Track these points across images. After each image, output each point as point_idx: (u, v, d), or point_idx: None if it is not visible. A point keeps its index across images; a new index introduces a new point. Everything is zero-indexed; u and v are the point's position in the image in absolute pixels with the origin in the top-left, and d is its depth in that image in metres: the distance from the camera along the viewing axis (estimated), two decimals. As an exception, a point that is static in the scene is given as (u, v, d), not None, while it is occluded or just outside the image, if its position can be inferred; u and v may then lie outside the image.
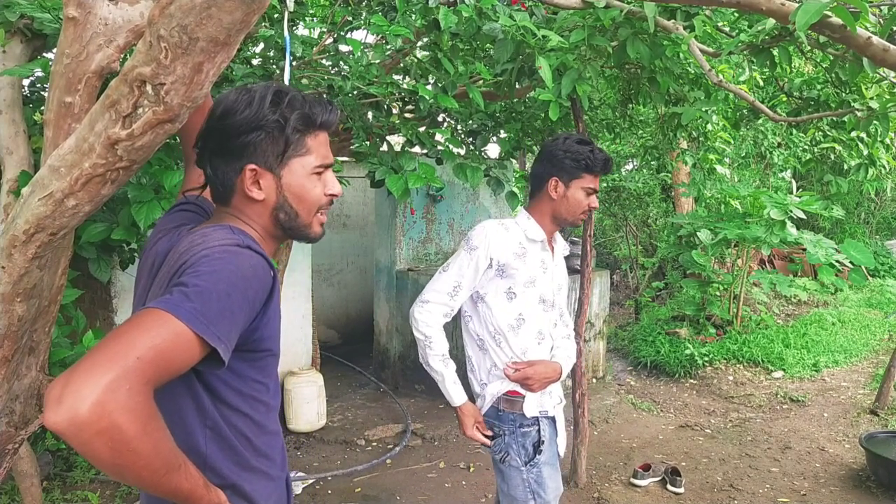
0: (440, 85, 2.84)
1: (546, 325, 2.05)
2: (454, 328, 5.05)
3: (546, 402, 2.05)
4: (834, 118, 3.56)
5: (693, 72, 3.20)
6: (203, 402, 1.09)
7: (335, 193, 1.22)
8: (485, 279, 1.99)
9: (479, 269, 1.96)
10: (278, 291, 1.12)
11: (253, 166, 1.16)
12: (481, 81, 3.26)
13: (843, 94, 3.16)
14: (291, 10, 2.24)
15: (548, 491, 1.99)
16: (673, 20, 2.47)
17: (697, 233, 6.06)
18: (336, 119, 1.22)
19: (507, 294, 1.98)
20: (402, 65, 3.05)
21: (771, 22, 2.43)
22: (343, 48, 2.99)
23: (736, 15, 2.82)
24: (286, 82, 2.12)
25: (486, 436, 2.01)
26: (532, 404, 2.00)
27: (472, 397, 2.07)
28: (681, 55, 2.93)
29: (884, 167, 3.89)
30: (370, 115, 3.19)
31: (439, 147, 3.36)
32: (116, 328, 0.89)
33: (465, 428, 2.00)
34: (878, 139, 3.70)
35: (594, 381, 5.56)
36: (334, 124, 1.22)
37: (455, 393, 1.99)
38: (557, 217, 2.02)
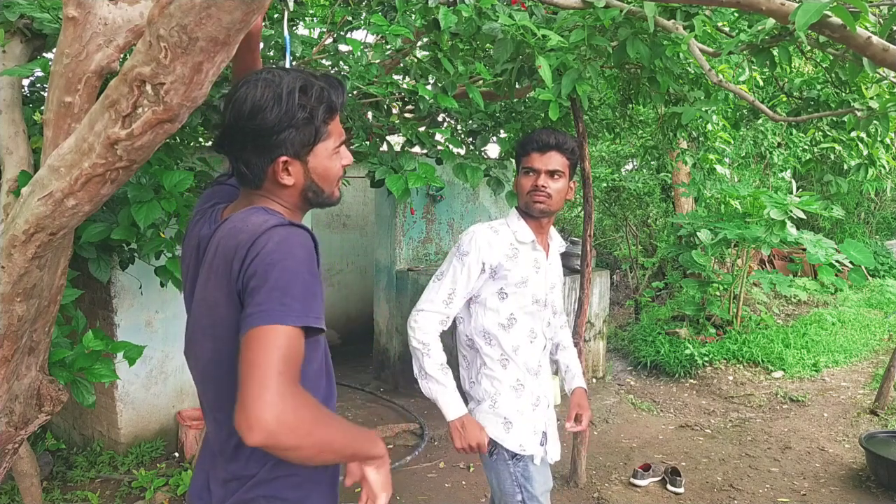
0: (440, 85, 2.84)
1: (538, 325, 2.03)
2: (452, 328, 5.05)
3: (528, 442, 1.99)
4: (834, 118, 3.56)
5: (693, 72, 3.20)
6: None
7: (349, 163, 1.34)
8: (479, 283, 1.98)
9: (472, 275, 1.95)
10: (319, 252, 1.23)
11: (285, 158, 1.23)
12: (481, 81, 3.25)
13: (843, 94, 3.16)
14: (291, 10, 2.23)
15: (535, 485, 1.97)
16: (673, 20, 2.47)
17: (697, 233, 6.06)
18: (346, 96, 1.31)
19: (498, 294, 1.97)
20: (402, 65, 3.05)
21: (771, 22, 2.42)
22: (343, 48, 2.99)
23: (736, 15, 2.82)
24: None
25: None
26: (512, 443, 1.99)
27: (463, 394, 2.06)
28: (681, 55, 2.93)
29: (884, 167, 3.89)
30: (370, 115, 3.19)
31: (439, 147, 3.36)
32: (247, 355, 1.05)
33: (476, 432, 1.95)
34: (878, 139, 3.70)
35: (594, 381, 5.56)
36: (345, 102, 1.32)
37: (456, 403, 1.95)
38: (522, 210, 2.02)
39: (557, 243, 2.13)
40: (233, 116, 1.21)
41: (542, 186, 1.92)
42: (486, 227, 1.99)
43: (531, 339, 2.01)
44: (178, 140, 3.14)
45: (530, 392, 2.02)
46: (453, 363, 2.01)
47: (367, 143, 3.11)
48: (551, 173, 1.93)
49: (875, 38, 1.93)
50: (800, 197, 5.49)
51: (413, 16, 2.56)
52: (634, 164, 8.60)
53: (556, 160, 1.93)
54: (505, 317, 1.97)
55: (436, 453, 4.15)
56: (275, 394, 1.01)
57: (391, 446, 4.26)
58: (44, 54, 2.40)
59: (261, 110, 1.18)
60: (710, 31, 2.99)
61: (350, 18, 2.90)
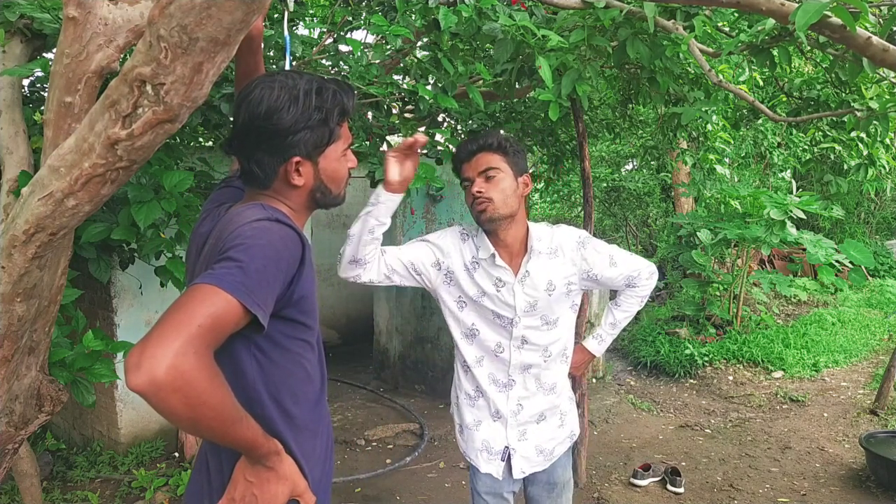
0: (440, 85, 2.84)
1: (507, 339, 1.89)
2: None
3: (472, 454, 1.97)
4: (834, 118, 3.56)
5: (693, 72, 3.20)
6: (259, 364, 1.20)
7: (354, 166, 1.37)
8: (436, 280, 1.90)
9: (424, 258, 1.86)
10: (310, 256, 1.21)
11: (298, 158, 1.24)
12: (481, 81, 3.26)
13: (843, 94, 3.16)
14: (291, 10, 2.23)
15: (479, 484, 1.99)
16: (673, 20, 2.47)
17: (697, 233, 6.07)
18: (355, 101, 1.33)
19: (458, 303, 1.91)
20: (402, 65, 3.05)
21: (771, 22, 2.43)
22: (343, 48, 2.99)
23: (736, 15, 2.82)
24: None
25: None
26: (460, 446, 2.03)
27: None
28: (681, 55, 2.93)
29: (884, 167, 3.89)
30: (370, 115, 3.19)
31: (439, 147, 3.36)
32: (176, 301, 1.02)
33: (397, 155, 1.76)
34: (878, 139, 3.70)
35: (594, 381, 5.56)
36: (355, 106, 1.35)
37: (372, 198, 1.81)
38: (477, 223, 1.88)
39: (538, 249, 1.87)
40: (247, 117, 1.22)
41: (478, 192, 1.79)
42: (459, 231, 1.92)
43: (497, 353, 1.91)
44: (178, 140, 3.14)
45: (488, 404, 1.94)
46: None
47: (367, 143, 3.11)
48: (484, 174, 1.80)
49: (875, 39, 1.93)
50: (800, 197, 5.50)
51: (413, 16, 2.55)
52: (634, 164, 8.61)
53: (484, 160, 1.80)
54: (467, 326, 1.92)
55: (436, 453, 4.15)
56: (183, 344, 0.94)
57: (391, 446, 4.26)
58: (44, 54, 2.39)
59: (277, 111, 1.20)
60: (710, 31, 3.00)
61: (350, 18, 2.90)
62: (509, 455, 1.96)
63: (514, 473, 1.96)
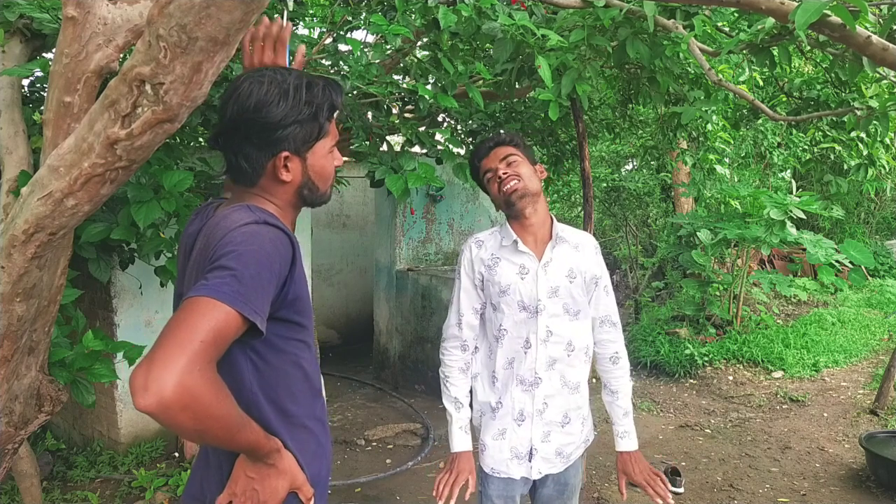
0: (440, 85, 2.84)
1: (534, 333, 1.93)
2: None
3: (500, 466, 1.97)
4: (834, 118, 3.56)
5: (693, 72, 3.20)
6: (255, 367, 1.21)
7: (340, 165, 1.37)
8: (484, 294, 2.00)
9: (468, 290, 1.99)
10: (300, 256, 1.21)
11: (287, 153, 1.24)
12: (481, 81, 3.26)
13: (843, 94, 3.16)
14: (291, 9, 2.23)
15: (491, 488, 2.00)
16: (673, 20, 2.47)
17: (697, 233, 6.06)
18: (343, 97, 1.33)
19: (492, 305, 1.97)
20: (402, 65, 3.05)
21: (770, 21, 2.42)
22: (343, 48, 2.99)
23: (736, 15, 2.82)
24: None
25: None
26: (484, 465, 2.00)
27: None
28: (681, 55, 2.93)
29: (884, 167, 3.90)
30: (370, 115, 3.19)
31: (439, 147, 3.36)
32: (174, 317, 1.03)
33: (456, 476, 1.96)
34: (878, 139, 3.70)
35: (594, 380, 5.55)
36: (343, 103, 1.35)
37: (458, 439, 1.98)
38: (507, 214, 1.98)
39: (563, 237, 1.97)
40: (236, 110, 1.21)
41: (505, 172, 1.91)
42: (474, 241, 2.01)
43: (526, 350, 1.95)
44: (178, 140, 3.14)
45: (511, 409, 1.96)
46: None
47: (367, 143, 3.11)
48: (505, 160, 1.93)
49: (875, 38, 1.93)
50: (800, 197, 5.49)
51: (413, 15, 2.56)
52: (634, 164, 8.60)
53: (502, 151, 1.94)
54: (496, 327, 1.96)
55: (436, 453, 4.14)
56: (188, 362, 0.96)
57: (391, 446, 4.25)
58: (44, 54, 2.40)
59: (266, 105, 1.19)
60: (710, 31, 2.99)
61: (350, 18, 2.90)
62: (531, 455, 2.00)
63: (532, 474, 1.99)
